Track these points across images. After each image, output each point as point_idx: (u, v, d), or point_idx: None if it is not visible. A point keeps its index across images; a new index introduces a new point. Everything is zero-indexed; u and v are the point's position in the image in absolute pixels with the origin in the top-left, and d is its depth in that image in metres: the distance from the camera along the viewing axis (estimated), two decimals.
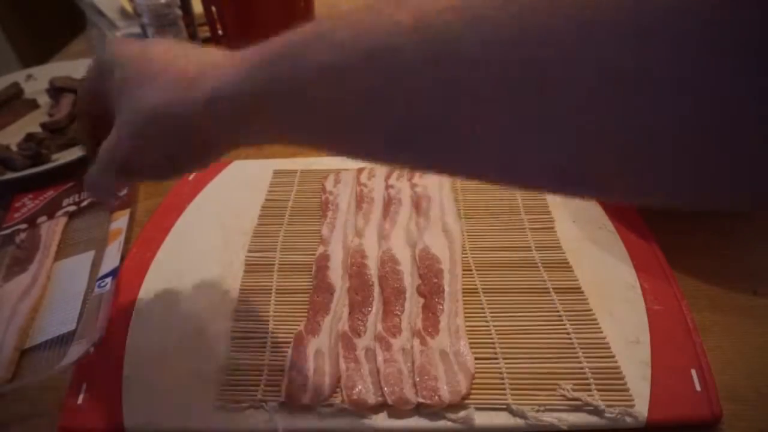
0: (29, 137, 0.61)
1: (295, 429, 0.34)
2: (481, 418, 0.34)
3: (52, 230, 0.50)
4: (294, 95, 0.22)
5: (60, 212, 0.53)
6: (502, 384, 0.35)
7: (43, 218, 0.52)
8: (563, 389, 0.34)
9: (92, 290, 0.44)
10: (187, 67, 0.27)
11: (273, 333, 0.40)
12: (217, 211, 0.52)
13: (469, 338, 0.38)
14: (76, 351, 0.37)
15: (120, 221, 0.50)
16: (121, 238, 0.48)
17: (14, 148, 0.60)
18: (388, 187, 0.52)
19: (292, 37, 0.22)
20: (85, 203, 0.54)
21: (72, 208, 0.53)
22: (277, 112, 0.23)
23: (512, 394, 0.34)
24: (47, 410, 0.36)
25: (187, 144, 0.29)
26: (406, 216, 0.49)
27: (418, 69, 0.18)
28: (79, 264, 0.47)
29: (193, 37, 0.77)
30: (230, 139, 0.28)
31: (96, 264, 0.47)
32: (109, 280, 0.43)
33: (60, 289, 0.45)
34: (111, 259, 0.46)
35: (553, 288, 0.41)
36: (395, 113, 0.19)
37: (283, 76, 0.22)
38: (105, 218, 0.52)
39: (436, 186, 0.52)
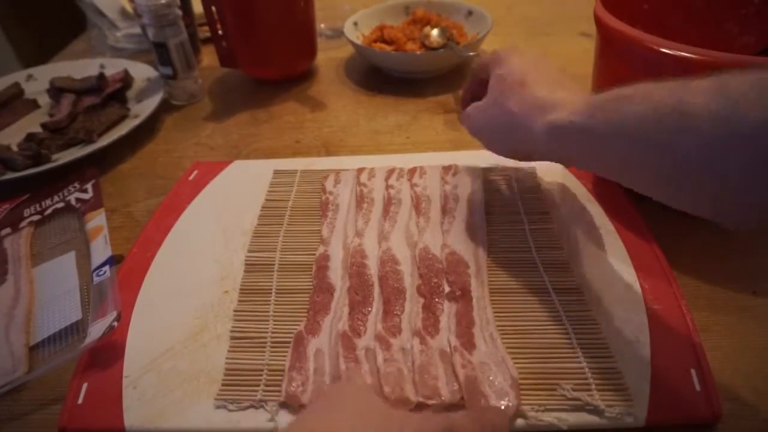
0: (30, 137, 0.61)
1: None
2: None
3: (17, 242, 0.51)
4: (612, 130, 0.32)
5: (24, 223, 0.53)
6: None
7: (7, 230, 0.52)
8: (563, 389, 0.34)
9: (87, 283, 0.45)
10: (542, 94, 0.39)
11: (273, 333, 0.40)
12: (217, 211, 0.52)
13: None
14: (96, 330, 0.39)
15: (97, 219, 0.51)
16: (104, 233, 0.49)
17: (15, 148, 0.60)
18: (388, 187, 0.52)
19: (620, 90, 0.32)
20: (49, 211, 0.54)
21: (36, 217, 0.54)
22: (596, 140, 0.33)
23: None
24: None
25: (518, 142, 0.41)
26: (406, 216, 0.49)
27: (712, 128, 0.26)
28: (62, 265, 0.48)
29: (193, 37, 0.77)
30: (549, 153, 0.39)
31: (81, 262, 0.47)
32: (106, 268, 0.44)
33: (49, 289, 0.46)
34: (100, 252, 0.47)
35: (553, 288, 0.41)
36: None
37: (607, 117, 0.32)
38: (75, 221, 0.52)
39: (437, 186, 0.52)
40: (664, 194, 0.31)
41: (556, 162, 0.40)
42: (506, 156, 0.45)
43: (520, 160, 0.45)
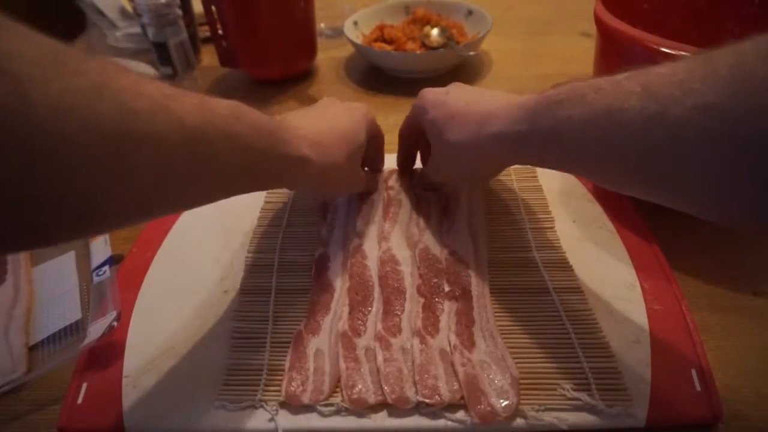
0: None
1: (295, 429, 0.34)
2: None
3: None
4: (551, 136, 0.32)
5: None
6: None
7: None
8: (563, 389, 0.34)
9: (87, 282, 0.45)
10: (477, 112, 0.39)
11: (273, 333, 0.40)
12: (217, 211, 0.52)
13: None
14: (96, 330, 0.39)
15: None
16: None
17: None
18: (387, 187, 0.52)
19: (553, 94, 0.32)
20: None
21: None
22: (538, 146, 0.34)
23: None
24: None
25: (483, 163, 0.42)
26: (406, 216, 0.49)
27: (640, 125, 0.26)
28: (62, 264, 0.48)
29: (193, 37, 0.77)
30: (509, 161, 0.41)
31: (80, 261, 0.47)
32: (106, 268, 0.44)
33: (48, 289, 0.46)
34: (100, 252, 0.47)
35: (553, 288, 0.41)
36: (621, 154, 0.28)
37: (543, 123, 0.33)
38: None
39: None
40: (610, 185, 0.33)
41: (521, 165, 0.40)
42: (488, 180, 0.49)
43: (497, 174, 0.47)
